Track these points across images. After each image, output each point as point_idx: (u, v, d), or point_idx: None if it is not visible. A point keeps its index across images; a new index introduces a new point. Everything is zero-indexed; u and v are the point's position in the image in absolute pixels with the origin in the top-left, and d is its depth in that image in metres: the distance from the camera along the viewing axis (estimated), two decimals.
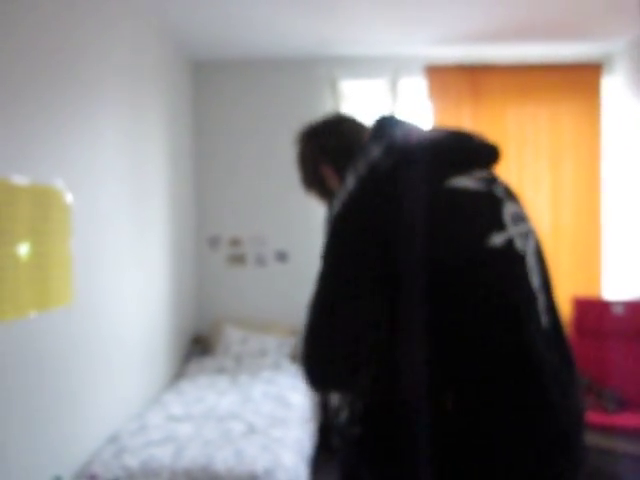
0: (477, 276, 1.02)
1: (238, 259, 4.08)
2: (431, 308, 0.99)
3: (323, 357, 1.05)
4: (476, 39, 3.61)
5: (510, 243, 1.06)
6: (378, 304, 1.00)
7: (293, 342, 3.84)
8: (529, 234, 1.12)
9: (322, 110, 3.96)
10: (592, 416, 2.97)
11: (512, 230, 1.08)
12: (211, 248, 4.08)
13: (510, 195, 1.14)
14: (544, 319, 1.07)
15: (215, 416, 2.83)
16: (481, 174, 1.12)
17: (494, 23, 3.39)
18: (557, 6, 3.16)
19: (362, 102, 3.91)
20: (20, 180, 1.95)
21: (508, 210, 1.10)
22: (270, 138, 4.02)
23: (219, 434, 2.59)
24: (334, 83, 3.89)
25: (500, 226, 1.06)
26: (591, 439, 2.87)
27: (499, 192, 1.12)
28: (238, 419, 2.78)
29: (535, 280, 1.09)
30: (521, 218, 1.12)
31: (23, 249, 1.95)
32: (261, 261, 4.07)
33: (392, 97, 3.88)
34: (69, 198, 2.27)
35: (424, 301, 0.99)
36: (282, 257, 4.07)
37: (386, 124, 1.16)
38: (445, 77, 3.87)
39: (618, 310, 3.37)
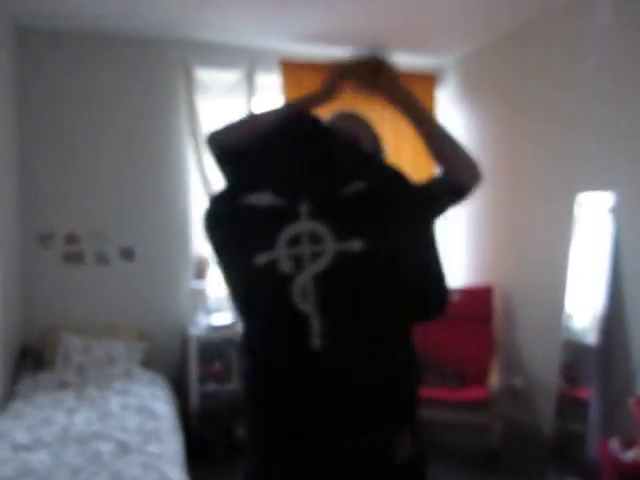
0: (245, 289, 1.18)
1: (75, 257, 3.61)
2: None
3: None
4: (331, 40, 3.71)
5: (273, 264, 1.09)
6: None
7: (143, 347, 3.54)
8: (322, 255, 1.08)
9: (175, 97, 3.71)
10: (439, 393, 3.30)
11: (281, 251, 1.09)
12: (42, 245, 3.53)
13: (322, 213, 1.09)
14: (316, 341, 1.08)
15: (73, 438, 2.47)
16: (292, 188, 1.12)
17: (347, 27, 3.52)
18: (399, 18, 3.40)
19: (218, 93, 3.74)
20: None
21: (296, 229, 1.09)
22: (116, 123, 3.63)
23: (86, 459, 2.26)
24: (188, 69, 3.66)
25: (268, 246, 1.10)
26: (439, 414, 3.22)
27: (302, 209, 1.09)
28: (103, 438, 2.47)
29: (306, 302, 1.08)
30: (316, 238, 1.09)
31: None
32: (103, 259, 3.67)
33: (248, 90, 3.79)
34: None
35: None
36: (127, 254, 3.71)
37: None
38: (299, 73, 3.90)
39: (454, 297, 3.78)
